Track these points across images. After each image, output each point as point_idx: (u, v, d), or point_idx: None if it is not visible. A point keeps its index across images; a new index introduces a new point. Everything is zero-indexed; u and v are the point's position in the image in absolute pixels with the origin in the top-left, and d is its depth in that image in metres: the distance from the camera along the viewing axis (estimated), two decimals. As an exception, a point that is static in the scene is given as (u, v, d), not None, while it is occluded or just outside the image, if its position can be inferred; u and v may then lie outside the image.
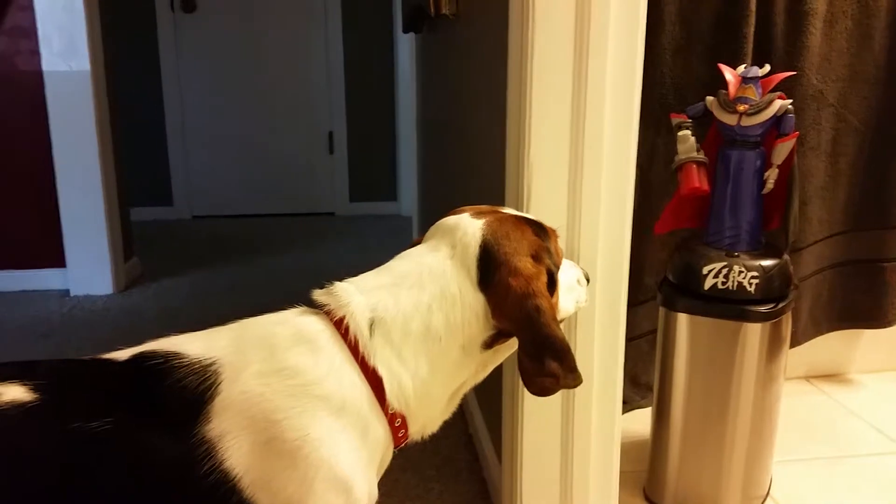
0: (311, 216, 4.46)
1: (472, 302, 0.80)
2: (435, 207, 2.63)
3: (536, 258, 0.82)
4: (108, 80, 2.81)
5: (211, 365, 0.72)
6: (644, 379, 1.71)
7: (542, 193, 1.13)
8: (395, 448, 0.83)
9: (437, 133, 2.45)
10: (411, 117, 3.32)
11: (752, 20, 1.58)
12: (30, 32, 2.64)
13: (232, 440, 0.69)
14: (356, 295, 0.80)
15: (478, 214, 0.86)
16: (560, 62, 1.09)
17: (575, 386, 0.80)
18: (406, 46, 3.64)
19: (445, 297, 0.80)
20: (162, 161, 4.30)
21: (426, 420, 0.84)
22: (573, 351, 1.17)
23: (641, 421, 1.57)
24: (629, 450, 1.41)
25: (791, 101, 1.28)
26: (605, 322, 1.19)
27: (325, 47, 4.30)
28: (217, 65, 4.26)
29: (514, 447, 1.23)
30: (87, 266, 2.81)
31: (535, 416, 1.20)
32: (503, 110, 1.21)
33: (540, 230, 0.87)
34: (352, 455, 0.74)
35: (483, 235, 0.82)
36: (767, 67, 1.29)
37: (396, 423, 0.79)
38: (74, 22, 2.61)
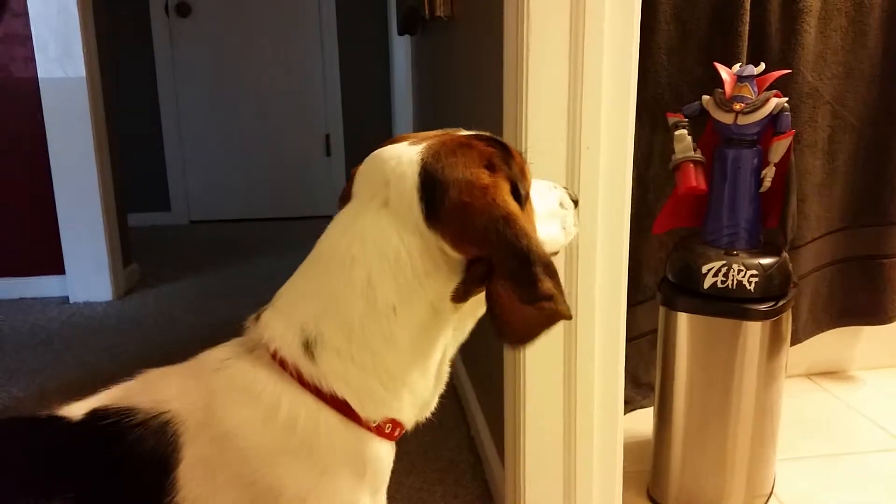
0: (309, 219, 4.45)
1: (422, 246, 0.66)
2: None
3: (491, 167, 0.68)
4: (104, 86, 2.80)
5: (167, 423, 0.64)
6: (645, 379, 1.71)
7: (541, 195, 1.13)
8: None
9: (435, 135, 2.44)
10: (408, 119, 3.32)
11: (747, 18, 1.59)
12: (25, 39, 2.63)
13: None
14: (278, 322, 0.69)
15: (419, 140, 0.71)
16: (555, 62, 1.09)
17: (568, 315, 0.65)
18: (402, 48, 3.64)
19: (385, 257, 0.66)
20: (159, 166, 4.30)
21: (418, 406, 0.73)
22: (574, 350, 1.19)
23: (644, 421, 1.57)
24: (632, 450, 1.41)
25: (787, 99, 1.28)
26: (606, 322, 1.19)
27: (321, 50, 4.30)
28: (213, 69, 4.25)
29: (517, 449, 1.23)
30: (86, 272, 2.80)
31: (538, 417, 1.20)
32: (499, 111, 1.21)
33: (496, 144, 0.71)
34: (349, 497, 0.68)
35: (422, 160, 0.67)
36: (763, 66, 1.29)
37: (386, 429, 0.70)
38: (69, 28, 2.61)
